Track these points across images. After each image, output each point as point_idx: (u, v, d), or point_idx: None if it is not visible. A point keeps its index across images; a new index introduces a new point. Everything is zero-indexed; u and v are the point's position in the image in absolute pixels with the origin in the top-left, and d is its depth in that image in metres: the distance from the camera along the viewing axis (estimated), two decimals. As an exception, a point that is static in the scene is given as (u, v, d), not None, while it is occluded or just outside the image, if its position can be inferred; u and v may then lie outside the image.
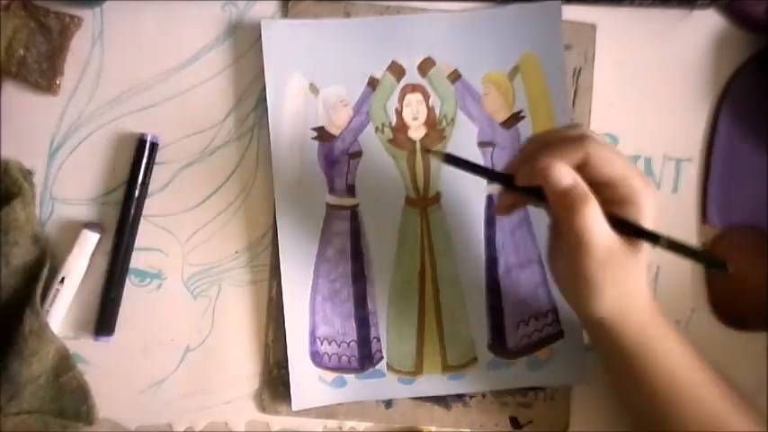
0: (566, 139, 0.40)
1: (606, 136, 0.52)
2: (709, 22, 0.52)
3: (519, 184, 0.41)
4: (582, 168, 0.40)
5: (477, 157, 0.51)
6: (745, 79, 0.52)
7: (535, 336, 0.51)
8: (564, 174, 0.39)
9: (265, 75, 0.50)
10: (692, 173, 0.52)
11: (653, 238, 0.40)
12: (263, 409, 0.52)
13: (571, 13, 0.52)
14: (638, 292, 0.42)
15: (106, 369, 0.52)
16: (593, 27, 0.52)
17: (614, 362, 0.45)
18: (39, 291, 0.49)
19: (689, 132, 0.53)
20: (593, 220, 0.38)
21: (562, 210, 0.39)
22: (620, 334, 0.43)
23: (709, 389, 0.44)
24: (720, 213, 0.52)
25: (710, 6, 0.52)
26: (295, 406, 0.51)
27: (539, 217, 0.51)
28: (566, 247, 0.41)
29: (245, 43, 0.52)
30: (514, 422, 0.52)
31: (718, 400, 0.44)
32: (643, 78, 0.52)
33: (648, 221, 0.40)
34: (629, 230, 0.40)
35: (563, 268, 0.43)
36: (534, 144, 0.42)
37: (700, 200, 0.52)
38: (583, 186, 0.39)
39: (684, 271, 0.52)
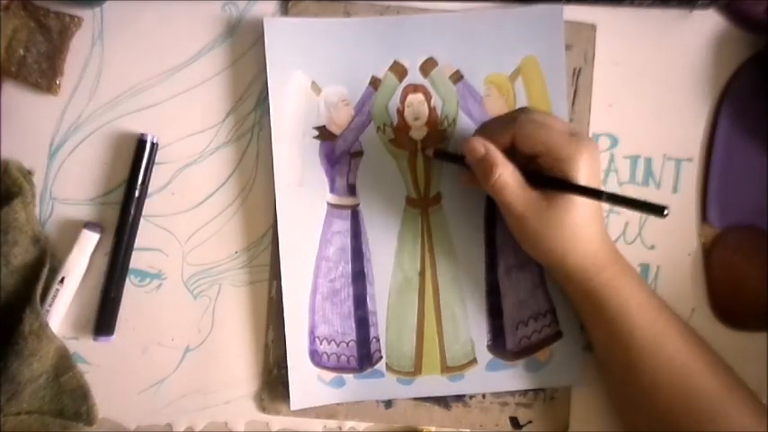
0: (497, 121, 0.47)
1: (606, 136, 0.52)
2: (709, 22, 0.52)
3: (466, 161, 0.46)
4: (516, 145, 0.45)
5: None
6: (745, 79, 0.52)
7: (534, 337, 0.51)
8: (476, 145, 0.45)
9: (267, 73, 0.50)
10: (692, 173, 0.52)
11: (584, 191, 0.44)
12: (262, 409, 0.52)
13: (571, 13, 0.52)
14: (574, 238, 0.45)
15: (106, 369, 0.52)
16: (593, 27, 0.52)
17: (571, 298, 0.49)
18: (39, 291, 0.49)
19: (689, 132, 0.53)
20: (505, 181, 0.44)
21: (480, 178, 0.45)
22: (567, 275, 0.47)
23: (651, 312, 0.46)
24: (720, 213, 0.52)
25: (710, 6, 0.52)
26: (293, 405, 0.51)
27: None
28: (504, 215, 0.47)
29: (245, 43, 0.52)
30: (514, 422, 0.52)
31: (658, 321, 0.46)
32: (643, 78, 0.52)
33: (582, 180, 0.44)
34: (558, 186, 0.44)
35: (514, 234, 0.47)
36: (479, 129, 0.48)
37: (700, 200, 0.52)
38: (494, 155, 0.44)
39: (684, 271, 0.52)
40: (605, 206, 0.52)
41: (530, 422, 0.52)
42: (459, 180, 0.51)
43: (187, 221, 0.52)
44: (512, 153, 0.45)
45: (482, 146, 0.45)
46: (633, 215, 0.52)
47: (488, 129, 0.46)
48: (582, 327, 0.51)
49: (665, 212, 0.41)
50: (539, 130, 0.44)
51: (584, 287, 0.46)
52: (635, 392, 0.47)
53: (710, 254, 0.52)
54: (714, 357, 0.47)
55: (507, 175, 0.44)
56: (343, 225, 0.51)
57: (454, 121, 0.52)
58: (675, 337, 0.46)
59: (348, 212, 0.51)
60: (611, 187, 0.52)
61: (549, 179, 0.45)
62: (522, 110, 0.46)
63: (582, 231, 0.45)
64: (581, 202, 0.44)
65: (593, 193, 0.44)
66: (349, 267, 0.51)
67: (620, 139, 0.52)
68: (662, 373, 0.45)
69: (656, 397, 0.45)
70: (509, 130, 0.45)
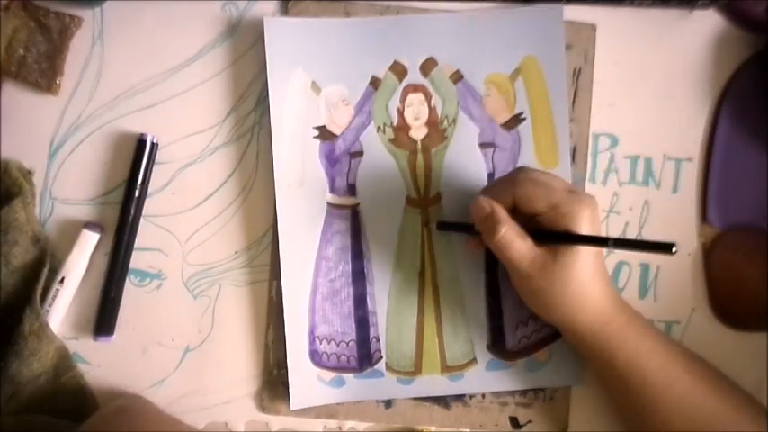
0: (499, 183, 0.47)
1: (606, 136, 0.52)
2: (709, 22, 0.52)
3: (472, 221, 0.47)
4: (517, 206, 0.46)
5: (478, 157, 0.51)
6: (745, 79, 0.52)
7: (534, 336, 0.51)
8: (482, 204, 0.46)
9: (267, 72, 0.50)
10: (692, 173, 0.52)
11: (589, 239, 0.44)
12: (262, 409, 0.52)
13: (571, 13, 0.52)
14: (580, 294, 0.45)
15: (106, 369, 0.52)
16: (593, 27, 0.52)
17: (583, 357, 0.50)
18: (39, 291, 0.49)
19: (689, 132, 0.53)
20: (510, 238, 0.45)
21: (485, 237, 0.46)
22: (573, 331, 0.47)
23: (660, 357, 0.47)
24: (720, 213, 0.52)
25: (710, 6, 0.52)
26: (293, 405, 0.51)
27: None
28: (509, 275, 0.47)
29: (245, 43, 0.52)
30: (514, 422, 0.52)
31: (669, 364, 0.47)
32: (643, 78, 0.52)
33: (585, 233, 0.44)
34: (563, 239, 0.45)
35: (520, 293, 0.48)
36: (483, 190, 0.48)
37: (700, 200, 0.52)
38: (498, 212, 0.45)
39: (684, 271, 0.52)
40: (605, 207, 0.52)
41: (529, 422, 0.52)
42: (467, 245, 0.51)
43: (187, 221, 0.52)
44: (514, 213, 0.46)
45: (487, 204, 0.45)
46: (633, 215, 0.52)
47: (491, 190, 0.47)
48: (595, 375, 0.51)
49: (674, 250, 0.41)
50: (538, 189, 0.45)
51: (593, 340, 0.47)
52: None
53: (710, 254, 0.52)
54: (721, 383, 0.48)
55: (512, 233, 0.45)
56: (343, 225, 0.51)
57: (454, 121, 0.52)
58: (685, 377, 0.46)
59: (348, 212, 0.51)
60: (610, 188, 0.52)
61: (554, 234, 0.45)
62: (521, 169, 0.46)
63: (588, 285, 0.45)
64: (585, 255, 0.44)
65: (599, 241, 0.44)
66: (349, 267, 0.51)
67: (620, 139, 0.52)
68: (675, 412, 0.46)
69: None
70: (509, 190, 0.45)
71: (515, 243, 0.45)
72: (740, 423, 0.46)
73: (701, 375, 0.47)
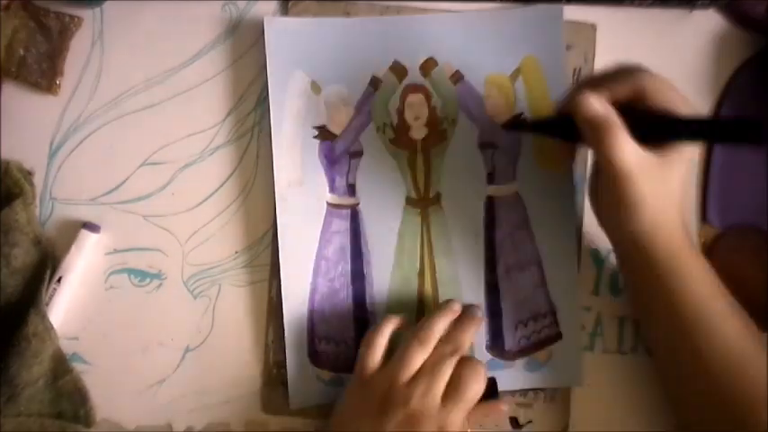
0: (616, 71, 0.43)
1: (606, 136, 0.52)
2: (709, 22, 0.52)
3: (558, 113, 0.45)
4: (636, 101, 0.42)
5: (478, 158, 0.51)
6: (745, 79, 0.52)
7: (533, 337, 0.51)
8: (594, 102, 0.42)
9: (267, 72, 0.50)
10: (692, 173, 0.52)
11: (684, 125, 0.42)
12: (262, 408, 0.52)
13: (571, 13, 0.52)
14: (672, 206, 0.43)
15: (106, 369, 0.52)
16: (593, 27, 0.52)
17: (644, 282, 0.46)
18: (43, 293, 0.49)
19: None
20: (620, 144, 0.41)
21: (591, 138, 0.42)
22: (654, 249, 0.44)
23: (737, 322, 0.45)
24: (720, 213, 0.52)
25: (710, 6, 0.52)
26: (292, 405, 0.51)
27: (539, 218, 0.51)
28: (604, 178, 0.43)
29: (245, 43, 0.52)
30: (514, 422, 0.52)
31: (746, 336, 0.44)
32: (643, 78, 0.52)
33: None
34: (662, 135, 0.42)
35: (604, 198, 0.45)
36: (585, 80, 0.45)
37: (700, 200, 0.52)
38: (609, 114, 0.41)
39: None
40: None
41: (530, 422, 0.52)
42: (560, 155, 0.49)
43: (187, 221, 0.52)
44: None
45: (600, 103, 0.42)
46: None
47: (604, 77, 0.44)
48: (642, 317, 0.49)
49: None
50: (668, 85, 0.42)
51: (664, 262, 0.44)
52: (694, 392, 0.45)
53: (710, 254, 0.52)
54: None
55: (624, 135, 0.41)
56: (342, 225, 0.51)
57: (454, 121, 0.52)
58: (743, 332, 0.44)
59: (348, 212, 0.51)
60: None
61: (685, 123, 0.42)
62: (638, 67, 0.44)
63: (679, 199, 0.43)
64: (686, 164, 0.43)
65: (684, 126, 0.42)
66: (348, 267, 0.51)
67: (620, 139, 0.52)
68: (720, 362, 0.44)
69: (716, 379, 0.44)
70: (630, 81, 0.42)
71: (629, 147, 0.41)
72: None
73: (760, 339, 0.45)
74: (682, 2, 0.51)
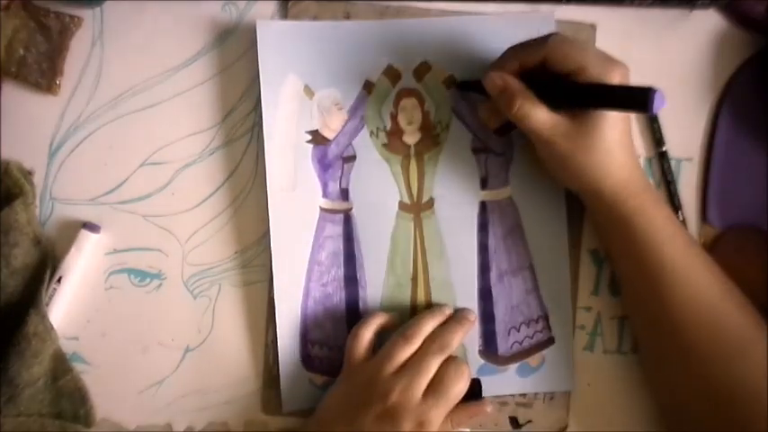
0: (529, 42, 0.46)
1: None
2: (709, 22, 0.52)
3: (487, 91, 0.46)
4: (547, 65, 0.45)
5: (471, 163, 0.51)
6: (745, 79, 0.52)
7: (526, 342, 0.51)
8: (494, 79, 0.45)
9: (260, 76, 0.50)
10: (692, 173, 0.52)
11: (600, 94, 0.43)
12: (262, 409, 0.52)
13: (571, 13, 0.52)
14: (608, 155, 0.44)
15: (106, 369, 0.52)
16: (593, 27, 0.52)
17: (603, 225, 0.48)
18: (43, 293, 0.49)
19: (689, 132, 0.53)
20: (527, 110, 0.44)
21: (503, 109, 0.45)
22: (601, 197, 0.46)
23: (697, 260, 0.46)
24: (720, 213, 0.52)
25: (710, 6, 0.52)
26: (285, 408, 0.51)
27: (532, 223, 0.51)
28: (532, 143, 0.46)
29: (244, 43, 0.52)
30: (514, 422, 0.52)
31: (716, 288, 0.45)
32: (643, 78, 0.52)
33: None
34: (562, 101, 0.45)
35: (541, 158, 0.47)
36: (505, 53, 0.47)
37: (700, 200, 0.52)
38: (513, 85, 0.44)
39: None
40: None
41: (529, 422, 0.52)
42: (480, 114, 0.50)
43: (187, 221, 0.52)
44: (534, 75, 0.45)
45: (499, 78, 0.45)
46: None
47: (515, 50, 0.46)
48: (608, 257, 0.51)
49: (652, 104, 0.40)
50: (571, 49, 0.44)
51: (615, 213, 0.46)
52: (662, 330, 0.46)
53: (710, 254, 0.52)
54: (741, 297, 0.46)
55: (528, 104, 0.44)
56: (335, 229, 0.51)
57: (447, 125, 0.52)
58: (705, 272, 0.45)
59: (341, 217, 0.51)
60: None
61: (581, 89, 0.44)
62: (555, 33, 0.46)
63: (613, 153, 0.44)
64: (610, 122, 0.44)
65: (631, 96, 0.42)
66: (341, 272, 0.51)
67: (620, 139, 0.52)
68: (691, 307, 0.45)
69: (685, 332, 0.45)
70: (540, 49, 0.44)
71: (533, 113, 0.44)
72: (760, 342, 0.44)
73: (723, 280, 0.46)
74: (682, 2, 0.51)
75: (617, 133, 0.44)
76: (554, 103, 0.44)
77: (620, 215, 0.46)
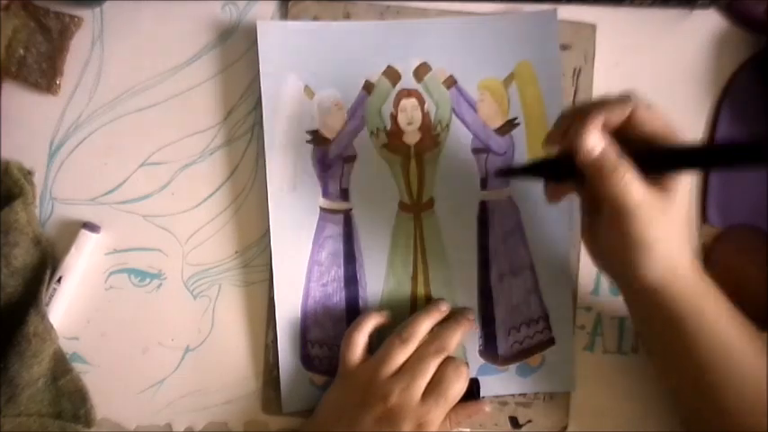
0: (609, 99, 0.41)
1: (606, 136, 0.52)
2: (709, 22, 0.52)
3: (564, 147, 0.41)
4: (624, 128, 0.40)
5: (471, 163, 0.51)
6: (745, 79, 0.52)
7: (526, 342, 0.51)
8: (596, 140, 0.39)
9: (260, 76, 0.50)
10: (692, 173, 0.52)
11: (688, 155, 0.40)
12: (262, 409, 0.52)
13: (571, 13, 0.52)
14: (682, 244, 0.42)
15: (106, 369, 0.52)
16: (593, 27, 0.52)
17: (663, 329, 0.44)
18: (43, 293, 0.49)
19: (689, 132, 0.52)
20: (628, 182, 0.39)
21: (597, 179, 0.40)
22: (670, 293, 0.42)
23: (762, 360, 0.43)
24: (720, 213, 0.52)
25: (710, 6, 0.52)
26: (285, 409, 0.51)
27: (532, 223, 0.51)
28: (607, 218, 0.41)
29: (245, 43, 0.52)
30: (514, 422, 0.52)
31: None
32: (643, 78, 0.52)
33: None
34: (662, 165, 0.40)
35: (607, 241, 0.42)
36: (574, 109, 0.42)
37: (700, 200, 0.52)
38: (615, 151, 0.39)
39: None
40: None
41: (529, 421, 0.52)
42: (546, 196, 0.45)
43: (187, 221, 0.52)
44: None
45: (601, 140, 0.39)
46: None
47: (599, 104, 0.40)
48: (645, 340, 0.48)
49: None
50: (659, 111, 0.40)
51: (677, 293, 0.42)
52: (706, 403, 0.44)
53: (710, 254, 0.52)
54: None
55: (630, 177, 0.39)
56: (335, 229, 0.51)
57: (447, 126, 0.52)
58: (759, 356, 0.43)
59: (341, 217, 0.51)
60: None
61: (690, 150, 0.40)
62: (624, 92, 0.41)
63: (683, 235, 0.41)
64: (687, 193, 0.40)
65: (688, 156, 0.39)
66: (341, 272, 0.51)
67: (620, 139, 0.52)
68: (749, 392, 0.42)
69: (736, 416, 0.43)
70: (628, 105, 0.40)
71: (634, 187, 0.39)
72: None
73: None
74: (682, 2, 0.51)
75: (686, 209, 0.41)
76: (641, 168, 0.40)
77: (677, 296, 0.42)
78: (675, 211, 0.40)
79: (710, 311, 0.43)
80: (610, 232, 0.41)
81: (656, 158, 0.40)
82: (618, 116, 0.40)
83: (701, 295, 0.43)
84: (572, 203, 0.52)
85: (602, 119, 0.40)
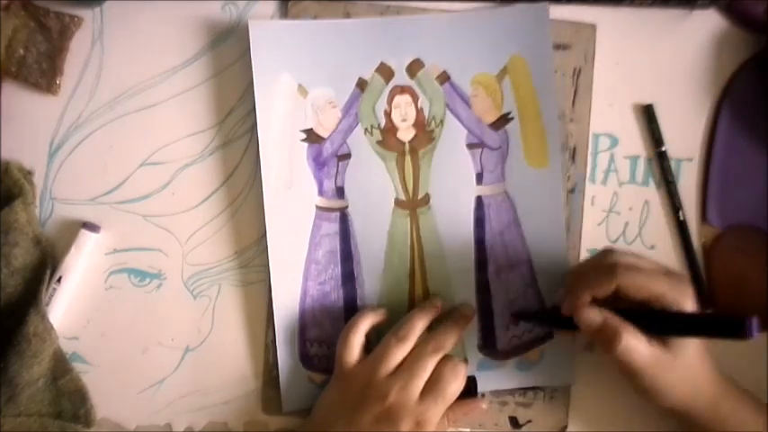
0: (596, 272, 0.45)
1: (606, 136, 0.52)
2: (709, 22, 0.52)
3: (566, 315, 0.46)
4: (619, 294, 0.44)
5: (466, 158, 0.51)
6: (745, 79, 0.52)
7: (525, 336, 0.51)
8: (593, 316, 0.44)
9: (254, 76, 0.50)
10: (692, 173, 0.52)
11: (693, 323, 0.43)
12: (262, 408, 0.52)
13: (571, 13, 0.52)
14: (698, 381, 0.45)
15: (106, 369, 0.52)
16: (593, 27, 0.52)
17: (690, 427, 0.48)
18: (43, 292, 0.49)
19: (689, 132, 0.53)
20: (631, 348, 0.43)
21: (600, 344, 0.44)
22: (694, 420, 0.46)
23: None
24: (720, 213, 0.52)
25: (710, 6, 0.52)
26: (285, 408, 0.51)
27: (528, 217, 0.51)
28: (618, 368, 0.45)
29: (244, 43, 0.52)
30: (514, 422, 0.52)
31: None
32: (643, 78, 0.52)
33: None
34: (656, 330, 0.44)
35: (632, 383, 0.46)
36: (571, 277, 0.47)
37: (700, 200, 0.52)
38: (613, 321, 0.43)
39: (684, 271, 0.52)
40: (605, 207, 0.52)
41: (529, 421, 0.52)
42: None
43: (187, 221, 0.52)
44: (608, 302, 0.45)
45: (598, 315, 0.44)
46: (633, 215, 0.52)
47: (586, 282, 0.45)
48: None
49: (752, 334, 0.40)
50: (644, 278, 0.44)
51: (709, 425, 0.46)
52: None
53: (710, 254, 0.52)
54: None
55: (633, 339, 0.43)
56: (331, 228, 0.51)
57: (442, 122, 0.52)
58: None
59: (337, 215, 0.51)
60: (610, 187, 0.52)
61: (675, 319, 0.44)
62: (613, 255, 0.45)
63: (701, 372, 0.45)
64: (696, 343, 0.45)
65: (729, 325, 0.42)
66: (338, 270, 0.51)
67: (620, 139, 0.52)
68: None
69: None
70: (609, 283, 0.44)
71: (637, 347, 0.43)
72: None
73: None
74: (682, 2, 0.51)
75: (702, 349, 0.45)
76: (645, 330, 0.44)
77: (711, 426, 0.46)
78: (682, 366, 0.44)
79: (733, 423, 0.46)
80: (631, 379, 0.45)
81: (649, 323, 0.44)
82: (604, 292, 0.44)
83: (722, 416, 0.46)
84: (567, 199, 0.52)
85: (588, 298, 0.44)
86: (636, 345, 0.43)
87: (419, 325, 0.48)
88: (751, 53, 0.52)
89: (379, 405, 0.45)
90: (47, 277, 0.50)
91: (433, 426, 0.46)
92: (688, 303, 0.44)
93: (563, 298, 0.47)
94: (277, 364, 0.51)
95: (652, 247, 0.52)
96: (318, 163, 0.51)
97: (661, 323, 0.44)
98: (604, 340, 0.44)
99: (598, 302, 0.45)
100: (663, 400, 0.45)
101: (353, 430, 0.45)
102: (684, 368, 0.44)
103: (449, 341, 0.47)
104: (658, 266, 0.45)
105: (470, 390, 0.48)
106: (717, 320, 0.43)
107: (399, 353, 0.47)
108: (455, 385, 0.46)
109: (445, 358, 0.47)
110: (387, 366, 0.46)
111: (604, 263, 0.45)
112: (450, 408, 0.47)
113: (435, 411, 0.45)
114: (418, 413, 0.45)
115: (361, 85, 0.51)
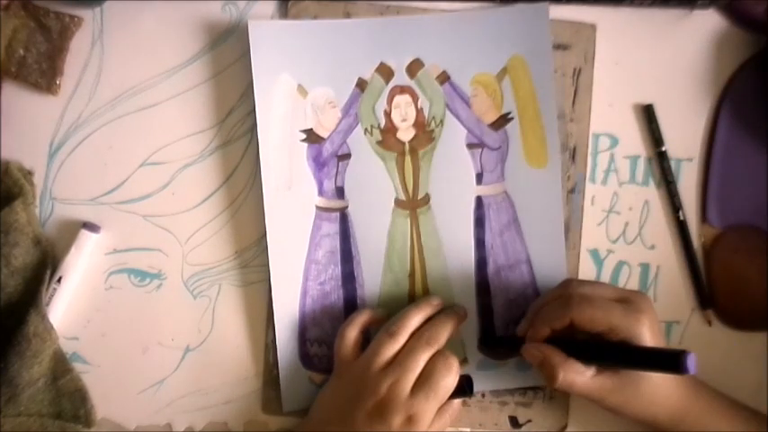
0: (553, 305, 0.47)
1: (606, 136, 0.52)
2: (709, 22, 0.52)
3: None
4: (575, 326, 0.45)
5: (466, 158, 0.51)
6: (745, 79, 0.52)
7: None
8: (534, 353, 0.46)
9: (253, 76, 0.50)
10: (692, 173, 0.52)
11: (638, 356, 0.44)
12: (262, 408, 0.52)
13: (571, 13, 0.52)
14: (655, 398, 0.46)
15: (106, 369, 0.52)
16: (593, 27, 0.52)
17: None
18: (43, 292, 0.49)
19: (689, 132, 0.53)
20: (571, 380, 0.45)
21: (545, 380, 0.46)
22: (659, 422, 0.47)
23: None
24: (720, 213, 0.52)
25: (710, 6, 0.52)
26: (285, 408, 0.51)
27: (528, 217, 0.51)
28: None
29: (244, 43, 0.51)
30: (514, 421, 0.52)
31: None
32: (643, 78, 0.52)
33: (649, 343, 0.44)
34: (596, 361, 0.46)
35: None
36: (532, 309, 0.49)
37: (700, 200, 0.52)
38: (551, 359, 0.45)
39: (684, 271, 0.52)
40: (605, 207, 0.52)
41: (529, 421, 0.52)
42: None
43: (187, 221, 0.52)
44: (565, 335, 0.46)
45: (537, 350, 0.46)
46: (633, 215, 0.52)
47: (544, 314, 0.47)
48: None
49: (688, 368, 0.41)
50: (596, 312, 0.45)
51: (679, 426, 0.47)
52: None
53: (710, 254, 0.52)
54: None
55: (572, 373, 0.45)
56: (331, 228, 0.51)
57: (441, 122, 0.52)
58: None
59: (337, 215, 0.51)
60: (610, 187, 0.52)
61: (616, 351, 0.45)
62: (571, 286, 0.47)
63: (662, 388, 0.46)
64: (642, 374, 0.45)
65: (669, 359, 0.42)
66: (339, 270, 0.51)
67: (620, 139, 0.52)
68: None
69: None
70: (566, 314, 0.45)
71: (578, 380, 0.45)
72: None
73: None
74: (682, 2, 0.51)
75: (647, 382, 0.45)
76: (592, 361, 0.46)
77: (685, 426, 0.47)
78: (633, 388, 0.45)
79: (704, 421, 0.47)
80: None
81: (596, 354, 0.45)
82: (560, 324, 0.45)
83: (688, 425, 0.47)
84: (567, 199, 0.52)
85: (547, 330, 0.46)
86: (574, 378, 0.45)
87: (413, 321, 0.48)
88: (751, 53, 0.52)
89: (371, 400, 0.45)
90: (47, 277, 0.50)
91: (426, 421, 0.45)
92: (643, 332, 0.44)
93: (525, 329, 0.48)
94: (277, 364, 0.51)
95: (652, 247, 0.52)
96: (318, 163, 0.51)
97: (605, 355, 0.45)
98: (547, 375, 0.46)
99: (558, 333, 0.46)
100: (622, 416, 0.47)
101: (347, 427, 0.45)
102: (636, 389, 0.45)
103: (442, 336, 0.47)
104: (616, 294, 0.46)
105: (464, 389, 0.48)
106: (657, 354, 0.44)
107: (391, 348, 0.47)
108: (448, 379, 0.46)
109: (438, 353, 0.47)
110: (379, 361, 0.46)
111: (562, 295, 0.47)
112: (449, 407, 0.47)
113: (427, 406, 0.45)
114: (409, 407, 0.45)
115: (361, 85, 0.51)
